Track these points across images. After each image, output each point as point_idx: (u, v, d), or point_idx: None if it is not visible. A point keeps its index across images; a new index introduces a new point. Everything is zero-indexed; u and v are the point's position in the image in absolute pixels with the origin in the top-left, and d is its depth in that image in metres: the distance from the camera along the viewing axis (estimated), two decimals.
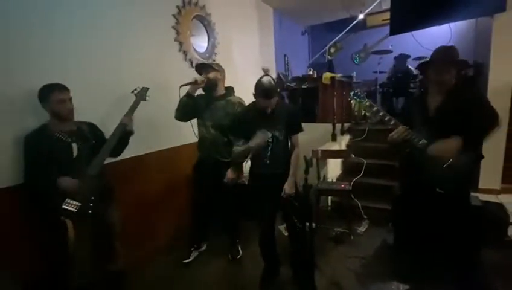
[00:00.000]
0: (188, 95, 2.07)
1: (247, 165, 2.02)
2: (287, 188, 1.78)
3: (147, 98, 1.92)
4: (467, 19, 3.46)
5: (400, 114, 1.93)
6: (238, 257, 2.37)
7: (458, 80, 1.62)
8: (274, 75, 4.52)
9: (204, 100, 2.18)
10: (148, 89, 1.94)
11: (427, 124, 1.65)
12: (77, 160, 1.61)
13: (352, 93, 1.86)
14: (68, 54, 1.86)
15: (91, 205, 1.56)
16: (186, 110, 2.12)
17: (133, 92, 1.90)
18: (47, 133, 1.57)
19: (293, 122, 1.84)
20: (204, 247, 2.46)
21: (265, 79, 1.69)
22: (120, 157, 2.09)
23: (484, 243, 2.14)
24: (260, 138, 1.71)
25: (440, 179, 1.62)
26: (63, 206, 1.47)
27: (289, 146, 1.87)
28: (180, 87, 2.04)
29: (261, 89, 1.67)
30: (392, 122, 1.67)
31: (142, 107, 1.91)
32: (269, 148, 1.78)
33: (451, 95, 1.60)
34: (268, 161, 1.79)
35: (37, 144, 1.54)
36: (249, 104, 1.90)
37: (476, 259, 1.97)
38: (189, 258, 2.32)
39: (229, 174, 2.05)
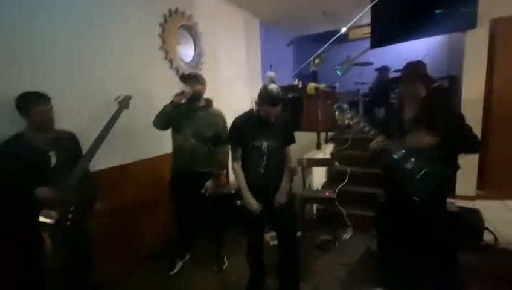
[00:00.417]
0: (174, 104, 2.07)
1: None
2: (280, 197, 1.79)
3: (130, 106, 1.89)
4: (441, 34, 3.67)
5: (380, 124, 2.01)
6: (224, 267, 2.34)
7: (430, 93, 1.71)
8: (260, 85, 4.59)
9: (185, 110, 2.15)
10: (131, 97, 1.91)
11: (403, 135, 1.73)
12: (55, 169, 1.54)
13: (336, 105, 1.92)
14: (52, 61, 1.84)
15: (70, 216, 1.51)
16: (168, 118, 2.11)
17: (115, 100, 1.87)
18: (23, 142, 1.50)
19: (288, 133, 1.87)
20: (187, 257, 2.43)
21: (273, 86, 1.68)
22: (101, 167, 2.07)
23: (461, 247, 2.23)
24: (255, 206, 1.74)
25: (416, 187, 1.69)
26: (40, 219, 1.41)
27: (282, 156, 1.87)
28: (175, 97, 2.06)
29: (268, 97, 1.65)
30: (371, 133, 1.74)
31: (127, 115, 1.88)
32: (264, 158, 1.76)
33: (424, 107, 1.69)
34: (262, 171, 1.77)
35: (13, 153, 1.47)
36: (247, 112, 1.89)
37: (453, 263, 2.05)
38: (174, 269, 2.29)
39: (209, 186, 2.11)
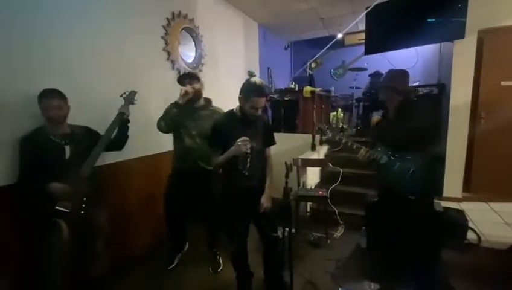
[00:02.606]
0: (177, 106, 2.06)
1: None
2: (265, 202, 1.77)
3: (135, 101, 1.97)
4: (431, 43, 3.83)
5: (371, 129, 2.16)
6: (219, 269, 2.31)
7: (406, 99, 1.85)
8: None
9: (188, 110, 2.14)
10: (136, 92, 1.98)
11: (386, 139, 1.88)
12: (70, 162, 1.64)
13: (317, 128, 2.16)
14: (61, 62, 1.93)
15: (83, 205, 1.62)
16: (173, 120, 2.08)
17: (121, 95, 1.94)
18: (41, 136, 1.61)
19: (268, 135, 1.87)
20: (186, 246, 2.49)
21: (255, 78, 1.70)
22: (101, 163, 2.06)
23: (445, 245, 2.36)
24: (243, 142, 1.60)
25: (407, 186, 1.81)
26: (56, 207, 1.52)
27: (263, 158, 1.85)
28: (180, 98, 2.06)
29: (254, 87, 1.63)
30: (354, 147, 1.93)
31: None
32: (248, 160, 1.72)
33: (399, 112, 1.84)
34: (247, 173, 1.73)
35: (31, 145, 1.58)
36: (228, 113, 1.83)
37: (437, 259, 2.17)
38: (173, 263, 2.34)
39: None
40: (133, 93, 1.98)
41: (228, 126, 1.72)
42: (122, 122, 1.86)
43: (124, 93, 1.96)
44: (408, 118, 1.78)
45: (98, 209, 1.78)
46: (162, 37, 2.71)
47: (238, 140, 1.59)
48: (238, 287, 1.97)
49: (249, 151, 1.61)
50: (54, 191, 1.54)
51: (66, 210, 1.54)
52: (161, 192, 2.32)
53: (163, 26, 2.72)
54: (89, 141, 1.74)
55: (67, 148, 1.65)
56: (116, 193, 2.31)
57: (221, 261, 2.37)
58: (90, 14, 2.10)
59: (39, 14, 1.80)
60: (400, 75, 1.87)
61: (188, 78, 2.17)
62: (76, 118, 1.81)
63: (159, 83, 2.65)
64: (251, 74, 1.64)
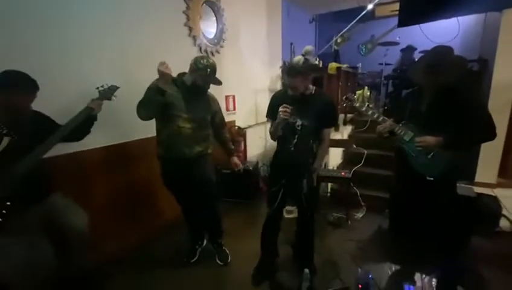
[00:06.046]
0: (161, 92, 1.74)
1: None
2: (308, 181, 1.75)
3: (113, 98, 1.71)
4: (476, 13, 3.44)
5: (399, 106, 2.04)
6: (229, 260, 2.18)
7: (453, 79, 1.66)
8: (279, 64, 4.54)
9: (181, 92, 1.91)
10: (117, 88, 1.73)
11: (418, 118, 1.75)
12: (4, 155, 1.34)
13: (344, 97, 2.06)
14: (80, 37, 1.90)
15: (3, 211, 1.31)
16: (158, 107, 1.80)
17: (97, 88, 1.67)
18: None
19: (327, 115, 1.76)
20: (205, 242, 2.35)
21: (295, 58, 1.75)
22: (107, 143, 2.10)
23: (476, 232, 2.26)
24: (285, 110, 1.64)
25: (427, 167, 1.74)
26: None
27: (318, 138, 1.80)
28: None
29: (286, 67, 1.69)
30: (380, 119, 1.84)
31: (140, 91, 1.80)
32: (296, 136, 1.74)
33: (445, 93, 1.66)
34: (292, 148, 1.76)
35: None
36: (282, 89, 1.91)
37: (464, 245, 2.09)
38: (195, 256, 2.23)
39: (237, 161, 2.22)
40: (113, 88, 1.71)
41: (279, 100, 1.73)
42: (89, 117, 1.59)
43: (102, 86, 1.69)
44: (453, 106, 1.63)
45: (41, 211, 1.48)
46: (183, 12, 2.64)
47: (280, 107, 1.63)
48: (259, 262, 2.02)
49: (287, 117, 1.63)
50: None
51: None
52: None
53: (185, 1, 2.64)
54: (39, 130, 1.44)
55: (6, 139, 1.35)
56: (116, 177, 2.20)
57: (228, 252, 2.23)
58: None
59: None
60: (449, 52, 1.67)
61: None
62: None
63: (181, 60, 2.59)
64: (304, 53, 1.54)
